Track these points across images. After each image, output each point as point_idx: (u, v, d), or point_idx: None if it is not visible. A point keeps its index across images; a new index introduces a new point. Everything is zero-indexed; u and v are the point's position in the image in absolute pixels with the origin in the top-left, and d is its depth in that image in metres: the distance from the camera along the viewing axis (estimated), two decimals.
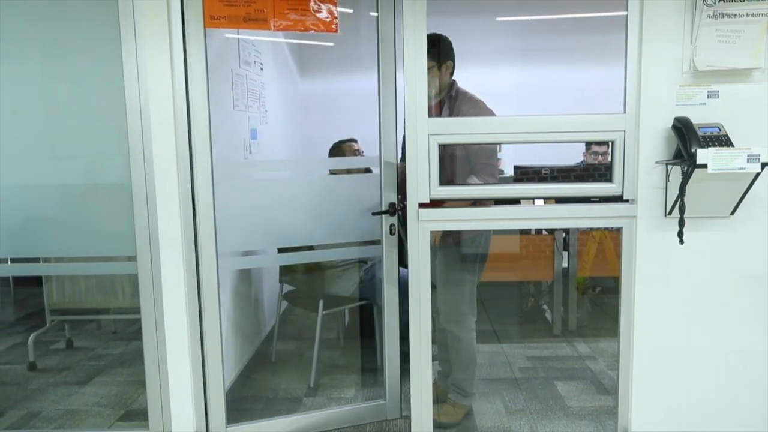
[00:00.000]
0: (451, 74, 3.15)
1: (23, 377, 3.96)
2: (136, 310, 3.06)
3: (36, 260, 3.24)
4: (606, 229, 3.47)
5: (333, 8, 2.92)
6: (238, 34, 3.55)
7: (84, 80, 2.99)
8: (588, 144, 3.49)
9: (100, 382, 3.87)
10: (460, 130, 2.87)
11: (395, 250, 3.19)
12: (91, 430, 3.27)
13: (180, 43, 2.84)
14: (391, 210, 3.15)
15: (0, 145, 3.00)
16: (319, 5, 2.91)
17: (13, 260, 3.19)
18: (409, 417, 3.05)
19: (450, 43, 3.12)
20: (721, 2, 2.62)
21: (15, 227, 3.05)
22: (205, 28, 2.86)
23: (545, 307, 4.55)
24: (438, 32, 3.03)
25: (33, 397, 3.70)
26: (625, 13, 2.73)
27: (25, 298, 5.01)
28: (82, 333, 4.52)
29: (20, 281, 5.02)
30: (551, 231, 3.72)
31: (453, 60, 3.14)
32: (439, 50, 3.03)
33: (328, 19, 2.92)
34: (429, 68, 2.81)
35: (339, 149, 3.80)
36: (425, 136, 2.83)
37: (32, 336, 4.08)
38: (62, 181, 3.04)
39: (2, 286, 5.02)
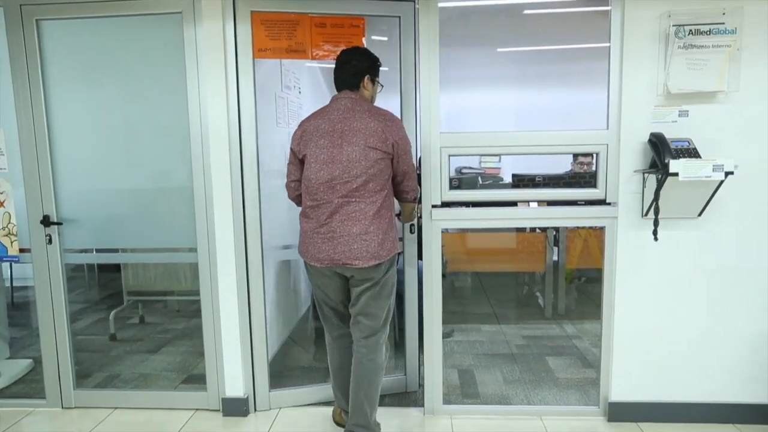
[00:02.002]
0: None
1: (105, 346, 4.01)
2: (196, 292, 3.08)
3: (116, 251, 3.25)
4: (590, 227, 3.42)
5: (361, 39, 2.91)
6: (281, 63, 3.54)
7: (155, 103, 3.00)
8: (575, 155, 3.45)
9: (167, 351, 3.91)
10: (467, 143, 2.84)
11: (415, 246, 3.09)
12: (160, 390, 3.28)
13: (233, 71, 2.85)
14: None
15: (87, 156, 3.04)
16: (349, 38, 2.90)
17: (98, 250, 3.22)
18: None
19: None
20: (690, 35, 2.59)
21: (99, 223, 3.10)
22: (254, 58, 2.88)
23: (538, 294, 4.52)
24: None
25: (113, 362, 3.73)
26: (608, 44, 2.71)
27: (107, 281, 5.07)
28: (152, 311, 4.56)
29: (103, 268, 5.06)
30: (543, 229, 3.70)
31: None
32: (376, 66, 2.61)
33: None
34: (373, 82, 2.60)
35: None
36: (438, 149, 2.82)
37: (113, 313, 4.13)
38: (137, 186, 3.06)
39: (89, 272, 5.06)
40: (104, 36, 2.96)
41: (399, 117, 2.71)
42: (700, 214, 2.69)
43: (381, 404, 2.98)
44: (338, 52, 2.63)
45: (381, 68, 2.62)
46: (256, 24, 2.87)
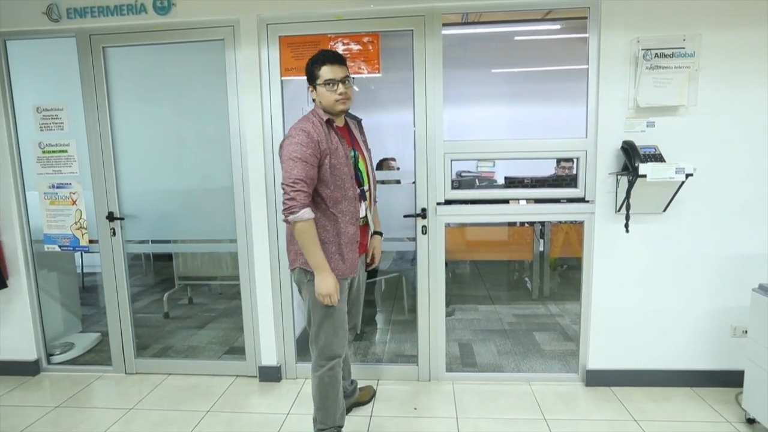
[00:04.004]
0: None
1: (160, 323, 4.07)
2: (236, 277, 3.12)
3: (168, 242, 3.31)
4: (571, 222, 3.45)
5: (376, 53, 2.86)
6: (305, 84, 3.55)
7: (201, 116, 3.05)
8: (559, 160, 3.48)
9: (211, 327, 3.95)
10: (466, 150, 2.89)
11: (426, 244, 2.95)
12: (206, 359, 3.34)
13: (267, 89, 2.90)
14: (422, 213, 2.92)
15: (144, 162, 3.10)
16: (365, 53, 2.87)
17: (153, 241, 3.27)
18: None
19: None
20: (656, 58, 2.63)
21: (154, 219, 3.15)
22: (281, 77, 2.90)
23: (526, 279, 4.51)
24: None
25: (167, 336, 3.78)
26: (587, 66, 2.75)
27: (161, 268, 5.10)
28: (198, 293, 4.59)
29: (157, 256, 5.09)
30: (531, 223, 3.68)
31: None
32: (311, 73, 2.17)
33: (373, 64, 2.87)
34: (348, 78, 2.16)
35: (381, 164, 3.67)
36: (442, 154, 2.87)
37: (166, 294, 4.19)
38: (186, 187, 3.11)
39: (146, 260, 5.13)
40: (158, 60, 3.02)
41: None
42: (664, 210, 2.74)
43: (391, 377, 3.07)
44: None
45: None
46: (283, 47, 2.88)
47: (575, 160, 2.88)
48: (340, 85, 2.12)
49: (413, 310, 3.14)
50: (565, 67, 3.17)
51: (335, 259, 2.16)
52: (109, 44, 2.99)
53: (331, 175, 2.11)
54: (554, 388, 2.94)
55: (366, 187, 2.28)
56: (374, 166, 2.44)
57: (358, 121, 2.41)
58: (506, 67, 3.46)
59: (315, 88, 2.16)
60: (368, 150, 2.41)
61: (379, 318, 4.05)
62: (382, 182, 3.08)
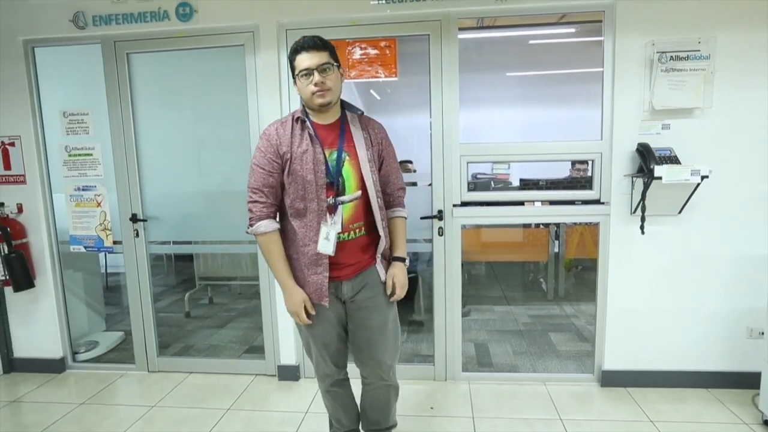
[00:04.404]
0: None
1: (181, 322, 4.11)
2: (255, 278, 3.17)
3: (189, 243, 3.35)
4: (586, 223, 3.42)
5: (393, 57, 2.88)
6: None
7: (221, 120, 3.10)
8: (573, 162, 3.47)
9: (231, 326, 3.99)
10: (482, 152, 2.92)
11: (443, 245, 2.96)
12: (227, 358, 3.38)
13: (286, 93, 2.95)
14: (439, 215, 2.94)
15: (166, 165, 3.16)
16: (382, 57, 2.89)
17: (175, 242, 3.32)
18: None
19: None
20: (672, 61, 2.64)
21: (176, 220, 3.21)
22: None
23: (541, 280, 4.51)
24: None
25: (188, 335, 3.83)
26: (602, 69, 2.77)
27: (182, 268, 5.12)
28: (219, 293, 4.61)
29: (179, 257, 5.11)
30: (546, 225, 3.68)
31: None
32: (334, 53, 1.84)
33: (389, 68, 2.89)
34: (328, 66, 1.79)
35: None
36: (458, 157, 2.90)
37: (187, 294, 4.22)
38: (207, 189, 3.17)
39: (167, 260, 5.16)
40: (180, 65, 3.09)
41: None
42: (680, 212, 2.73)
43: (407, 377, 3.06)
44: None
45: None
46: None
47: (590, 163, 2.88)
48: (316, 74, 1.77)
49: (429, 310, 3.16)
50: (580, 70, 3.17)
51: (301, 277, 1.90)
52: (133, 50, 3.06)
53: (292, 182, 1.83)
54: (570, 389, 2.95)
55: (349, 197, 1.87)
56: (389, 168, 2.02)
57: (359, 115, 1.96)
58: (521, 71, 3.47)
59: (295, 81, 1.84)
60: (378, 148, 1.97)
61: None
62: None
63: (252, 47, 2.95)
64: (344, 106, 1.95)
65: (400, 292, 2.00)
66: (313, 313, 1.92)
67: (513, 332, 3.76)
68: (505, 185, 3.80)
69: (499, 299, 4.42)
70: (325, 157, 1.84)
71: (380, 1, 2.81)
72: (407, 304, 4.12)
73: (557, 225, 3.88)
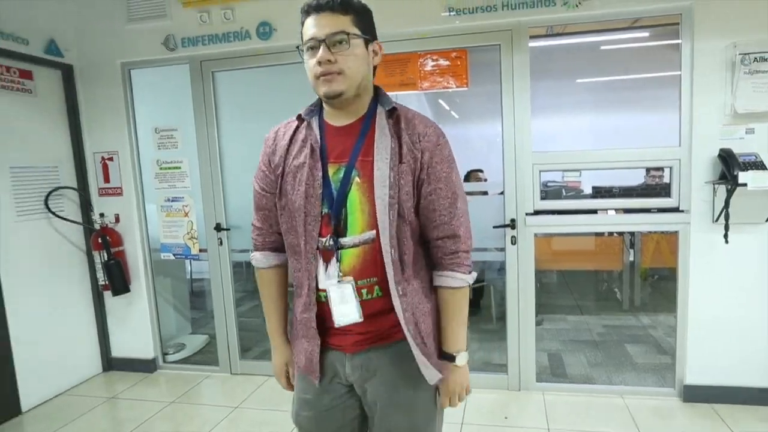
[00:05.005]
0: (375, 71, 1.33)
1: (261, 327, 4.00)
2: None
3: None
4: (663, 232, 3.30)
5: (465, 69, 2.91)
6: (396, 97, 3.66)
7: None
8: (648, 169, 3.38)
9: None
10: (555, 161, 2.90)
11: (516, 254, 2.92)
12: None
13: None
14: (511, 224, 2.90)
15: (248, 177, 3.23)
16: (453, 69, 2.92)
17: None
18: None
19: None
20: (755, 62, 2.55)
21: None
22: None
23: (616, 289, 4.37)
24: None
25: (266, 339, 3.88)
26: (679, 73, 2.70)
27: None
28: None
29: None
30: (620, 233, 3.56)
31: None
32: (365, 19, 1.26)
33: (461, 78, 2.90)
34: (342, 38, 1.19)
35: (469, 176, 3.68)
36: (530, 165, 2.89)
37: None
38: None
39: (247, 268, 5.20)
40: (260, 82, 3.25)
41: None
42: (767, 220, 2.62)
43: (480, 385, 3.04)
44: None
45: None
46: None
47: (669, 169, 2.80)
48: (323, 48, 1.18)
49: (501, 318, 3.16)
50: (654, 75, 3.10)
51: (292, 336, 1.42)
52: (218, 69, 3.25)
53: (283, 207, 1.31)
54: (649, 403, 2.85)
55: (352, 239, 1.24)
56: (434, 199, 1.25)
57: (390, 111, 1.27)
58: (592, 77, 3.42)
59: (379, 55, 1.32)
60: (417, 163, 1.24)
61: (468, 326, 3.98)
62: (470, 194, 3.06)
63: None
64: (379, 99, 1.30)
65: (456, 402, 1.36)
66: (293, 381, 1.45)
67: (587, 342, 3.68)
68: (577, 193, 3.74)
69: (571, 308, 4.33)
70: (326, 175, 1.26)
71: (451, 13, 2.86)
72: (475, 311, 4.12)
73: (632, 233, 3.77)
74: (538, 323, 3.00)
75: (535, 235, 2.96)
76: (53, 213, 3.20)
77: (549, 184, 3.94)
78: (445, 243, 1.29)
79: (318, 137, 1.29)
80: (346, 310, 1.24)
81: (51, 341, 3.21)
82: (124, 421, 2.91)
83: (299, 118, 1.33)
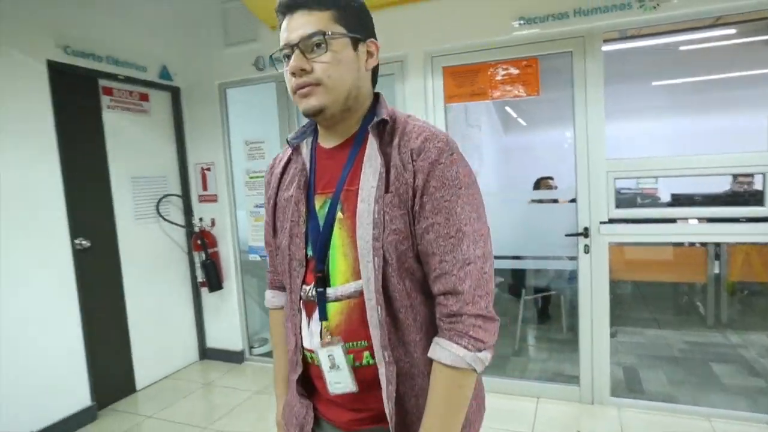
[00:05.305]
0: (375, 76, 1.12)
1: None
2: None
3: None
4: (752, 243, 3.03)
5: (536, 77, 2.90)
6: (465, 109, 3.70)
7: None
8: (735, 175, 3.13)
9: None
10: (631, 167, 2.81)
11: (588, 265, 2.86)
12: None
13: (432, 114, 3.14)
14: (585, 233, 2.85)
15: None
16: (524, 77, 2.91)
17: None
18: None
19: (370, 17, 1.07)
20: None
21: None
22: (445, 103, 3.11)
23: (698, 303, 4.05)
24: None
25: None
26: None
27: None
28: None
29: None
30: (703, 244, 3.31)
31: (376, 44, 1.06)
32: (351, 13, 1.00)
33: (531, 86, 2.91)
34: (318, 40, 0.96)
35: (539, 183, 3.63)
36: (604, 172, 2.83)
37: None
38: None
39: None
40: None
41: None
42: None
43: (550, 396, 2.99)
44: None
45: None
46: (446, 76, 3.08)
47: (762, 176, 2.60)
48: (295, 56, 0.97)
49: (571, 328, 3.09)
50: (739, 74, 2.91)
51: (290, 390, 1.16)
52: None
53: (276, 248, 1.14)
54: (741, 429, 2.63)
55: (335, 291, 1.01)
56: (433, 238, 0.96)
57: (383, 125, 1.02)
58: (669, 79, 3.26)
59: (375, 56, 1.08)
60: (408, 186, 0.97)
61: (538, 335, 3.98)
62: (540, 202, 3.08)
63: (401, 75, 3.18)
64: (376, 111, 1.06)
65: None
66: None
67: (667, 358, 3.48)
68: (653, 200, 3.55)
69: (648, 322, 4.11)
70: (312, 209, 1.05)
71: (522, 23, 2.88)
72: (544, 320, 4.04)
73: (717, 244, 3.50)
74: (612, 335, 2.90)
75: (610, 244, 2.88)
76: (163, 217, 3.61)
77: (622, 191, 3.76)
78: (446, 300, 0.95)
79: (307, 164, 1.08)
80: (338, 377, 1.00)
81: (159, 330, 3.61)
82: (218, 405, 3.21)
83: (288, 142, 1.11)
